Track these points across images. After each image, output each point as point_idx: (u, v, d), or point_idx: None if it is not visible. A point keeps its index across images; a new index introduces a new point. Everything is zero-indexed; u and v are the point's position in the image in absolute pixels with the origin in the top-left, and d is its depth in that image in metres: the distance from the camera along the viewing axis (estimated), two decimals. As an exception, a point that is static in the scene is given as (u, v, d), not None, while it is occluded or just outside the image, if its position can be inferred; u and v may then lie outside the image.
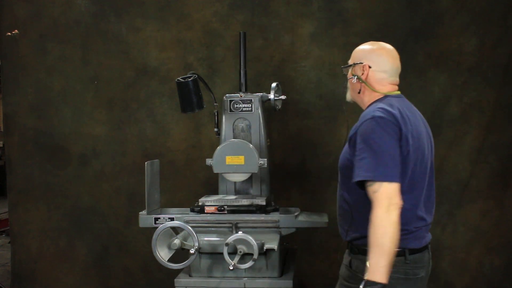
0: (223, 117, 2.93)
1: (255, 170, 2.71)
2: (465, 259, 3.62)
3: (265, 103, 2.98)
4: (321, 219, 2.78)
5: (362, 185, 1.97)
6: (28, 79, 3.87)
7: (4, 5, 3.87)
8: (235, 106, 2.92)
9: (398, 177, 1.93)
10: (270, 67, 3.67)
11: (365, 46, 2.28)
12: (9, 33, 3.83)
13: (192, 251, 2.46)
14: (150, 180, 2.73)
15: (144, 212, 2.74)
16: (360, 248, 2.08)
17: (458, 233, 3.60)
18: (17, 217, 3.98)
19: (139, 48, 3.77)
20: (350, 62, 2.29)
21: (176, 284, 2.64)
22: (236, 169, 2.71)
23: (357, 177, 1.95)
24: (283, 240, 2.73)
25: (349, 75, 2.28)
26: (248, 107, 2.92)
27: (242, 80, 3.01)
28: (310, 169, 3.70)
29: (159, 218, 2.70)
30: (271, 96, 2.96)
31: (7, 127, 3.99)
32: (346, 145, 2.13)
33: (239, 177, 2.79)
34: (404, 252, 2.03)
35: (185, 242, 2.52)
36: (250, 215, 2.67)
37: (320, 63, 3.65)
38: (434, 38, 3.53)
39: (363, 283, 1.87)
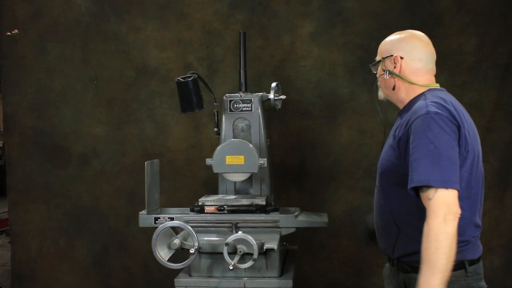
0: (223, 117, 2.93)
1: (255, 170, 2.71)
2: (465, 259, 3.62)
3: (265, 103, 2.99)
4: (321, 219, 2.78)
5: (415, 191, 1.75)
6: (28, 79, 3.87)
7: (4, 5, 3.87)
8: (235, 106, 2.92)
9: (457, 183, 1.71)
10: (270, 67, 3.67)
11: (392, 37, 2.06)
12: (9, 33, 3.83)
13: (192, 251, 2.46)
14: (150, 180, 2.73)
15: (144, 212, 2.74)
16: (413, 265, 1.85)
17: (458, 233, 3.60)
18: (17, 217, 3.98)
19: (139, 48, 3.77)
20: (378, 57, 2.07)
21: (176, 284, 2.64)
22: (236, 169, 2.71)
23: (411, 183, 1.72)
24: (283, 240, 2.73)
25: (380, 71, 2.06)
26: (248, 107, 2.91)
27: (242, 80, 3.01)
28: (310, 169, 3.70)
29: (159, 218, 2.70)
30: (271, 96, 2.96)
31: (7, 127, 3.99)
32: (388, 147, 1.94)
33: (239, 177, 2.79)
34: (464, 264, 1.84)
35: (185, 242, 2.52)
36: (250, 215, 2.67)
37: (320, 63, 3.65)
38: (434, 38, 3.45)
39: None
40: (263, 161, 2.71)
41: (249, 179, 2.89)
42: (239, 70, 3.02)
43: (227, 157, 2.70)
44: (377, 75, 2.10)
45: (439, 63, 3.49)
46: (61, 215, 3.90)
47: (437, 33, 3.52)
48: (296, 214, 2.70)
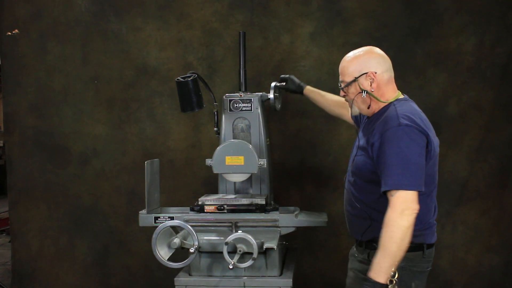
0: (223, 116, 2.94)
1: (255, 170, 2.72)
2: (464, 258, 3.63)
3: (264, 102, 2.99)
4: (320, 218, 2.79)
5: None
6: (28, 79, 3.88)
7: (4, 5, 3.87)
8: (235, 105, 2.93)
9: (421, 185, 1.97)
10: (269, 67, 3.68)
11: (356, 55, 2.22)
12: (9, 33, 3.84)
13: (192, 250, 2.47)
14: (150, 179, 2.74)
15: (144, 211, 2.75)
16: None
17: (457, 232, 3.61)
18: (18, 216, 3.98)
19: (139, 48, 3.77)
20: (347, 78, 2.22)
21: (176, 283, 2.65)
22: (235, 169, 2.72)
23: (385, 187, 1.98)
24: (282, 239, 2.74)
25: (356, 90, 2.21)
26: (247, 106, 2.92)
27: (242, 80, 3.02)
28: (309, 169, 3.70)
29: (159, 217, 2.71)
30: (271, 95, 2.97)
31: (8, 127, 3.99)
32: (361, 149, 2.18)
33: (239, 177, 2.80)
34: (423, 247, 2.10)
35: (185, 241, 2.53)
36: (250, 214, 2.68)
37: (320, 62, 3.65)
38: (433, 38, 3.54)
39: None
40: (263, 161, 2.72)
41: (249, 179, 2.90)
42: (238, 70, 3.03)
43: (227, 157, 2.71)
44: (351, 95, 2.24)
45: (438, 63, 3.55)
46: (62, 214, 3.91)
47: (436, 32, 3.54)
48: (295, 213, 2.71)
